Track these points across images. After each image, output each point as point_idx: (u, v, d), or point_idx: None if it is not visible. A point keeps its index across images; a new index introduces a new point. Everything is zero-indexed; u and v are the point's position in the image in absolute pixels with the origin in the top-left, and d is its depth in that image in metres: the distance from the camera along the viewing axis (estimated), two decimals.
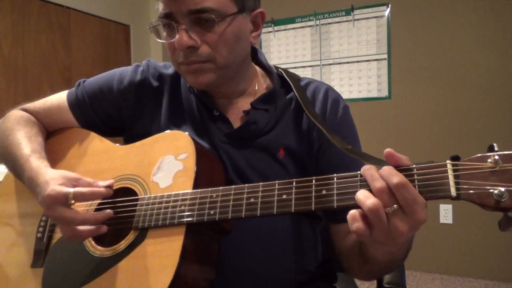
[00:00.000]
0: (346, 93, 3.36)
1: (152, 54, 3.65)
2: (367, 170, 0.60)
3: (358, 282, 1.21)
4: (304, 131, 0.90)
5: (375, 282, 1.11)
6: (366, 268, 0.77)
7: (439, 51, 3.06)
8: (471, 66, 2.98)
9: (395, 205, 0.57)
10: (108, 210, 0.79)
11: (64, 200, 0.76)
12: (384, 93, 3.25)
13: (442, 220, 3.07)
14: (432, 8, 3.07)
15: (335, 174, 0.66)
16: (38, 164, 0.85)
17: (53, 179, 0.79)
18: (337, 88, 3.33)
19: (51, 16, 2.89)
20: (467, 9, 2.97)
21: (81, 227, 0.76)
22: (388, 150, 0.61)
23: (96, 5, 3.17)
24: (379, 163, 0.70)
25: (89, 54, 3.15)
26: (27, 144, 0.90)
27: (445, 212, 3.05)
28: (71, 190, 0.76)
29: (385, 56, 3.23)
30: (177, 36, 0.80)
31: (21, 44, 2.71)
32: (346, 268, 0.90)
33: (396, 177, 0.57)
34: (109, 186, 0.81)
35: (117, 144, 0.93)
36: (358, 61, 3.32)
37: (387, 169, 0.59)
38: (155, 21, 0.84)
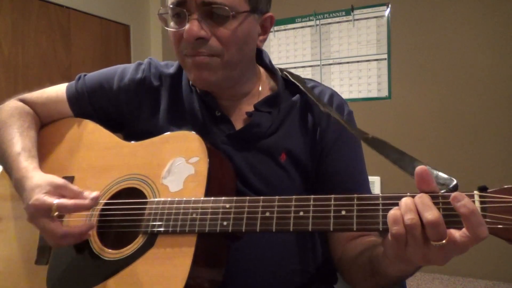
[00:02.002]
0: (346, 93, 3.35)
1: (152, 54, 3.64)
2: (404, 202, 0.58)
3: None
4: (307, 135, 0.90)
5: None
6: (373, 281, 0.75)
7: (439, 51, 3.06)
8: (471, 66, 2.98)
9: (443, 241, 0.55)
10: (92, 222, 0.80)
11: (47, 212, 0.75)
12: (384, 93, 3.25)
13: None
14: (432, 8, 3.07)
15: (355, 195, 0.64)
16: (26, 166, 0.83)
17: (39, 186, 0.78)
18: (337, 88, 3.34)
19: (51, 16, 2.88)
20: (467, 9, 2.97)
21: (63, 240, 0.76)
22: (422, 169, 0.58)
23: (96, 5, 3.16)
24: (400, 154, 0.69)
25: (89, 54, 3.13)
26: (18, 140, 0.88)
27: None
28: (55, 201, 0.74)
29: (385, 56, 3.23)
30: (187, 25, 0.78)
31: (21, 44, 2.70)
32: (347, 280, 0.88)
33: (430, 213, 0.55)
34: (95, 199, 0.77)
35: (128, 141, 0.91)
36: (358, 61, 3.32)
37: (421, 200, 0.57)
38: (164, 8, 0.83)
